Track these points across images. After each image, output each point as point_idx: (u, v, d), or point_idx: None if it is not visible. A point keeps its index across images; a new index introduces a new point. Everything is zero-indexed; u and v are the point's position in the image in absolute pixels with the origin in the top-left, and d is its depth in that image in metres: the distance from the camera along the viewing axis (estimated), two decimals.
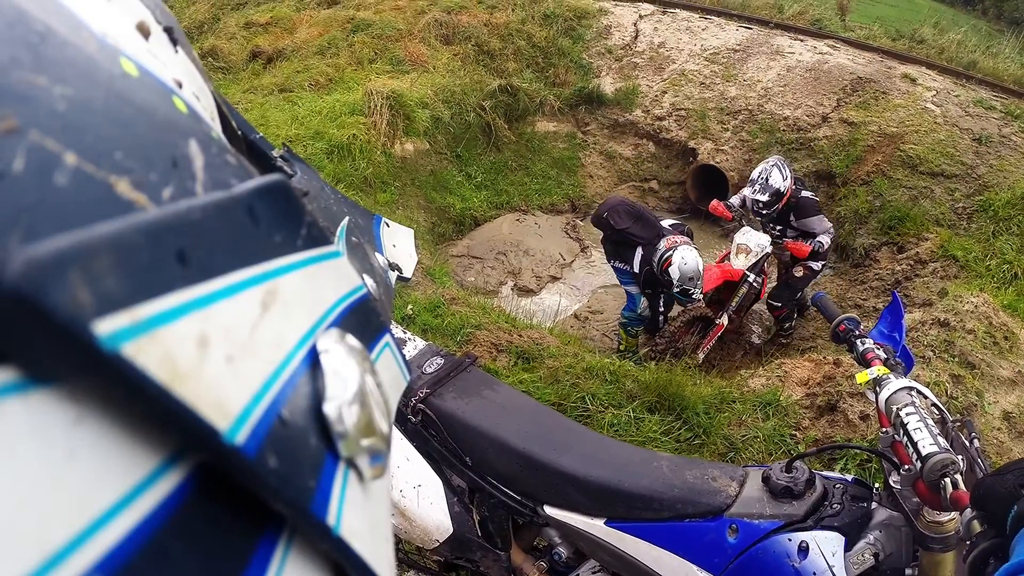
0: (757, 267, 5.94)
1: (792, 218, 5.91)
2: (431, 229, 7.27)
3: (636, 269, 5.75)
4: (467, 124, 8.44)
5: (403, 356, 0.78)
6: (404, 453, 1.97)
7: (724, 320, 5.98)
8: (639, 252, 5.69)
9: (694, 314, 6.05)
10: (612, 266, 6.13)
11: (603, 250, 6.30)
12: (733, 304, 5.97)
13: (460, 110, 8.36)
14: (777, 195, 5.72)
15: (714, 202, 6.29)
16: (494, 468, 1.96)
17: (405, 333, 2.25)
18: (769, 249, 5.94)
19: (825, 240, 5.85)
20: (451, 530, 1.98)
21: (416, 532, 1.96)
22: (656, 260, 5.48)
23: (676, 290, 5.47)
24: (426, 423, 2.00)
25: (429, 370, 2.09)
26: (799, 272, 6.03)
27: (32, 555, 0.26)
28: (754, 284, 5.97)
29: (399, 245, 1.60)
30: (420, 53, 8.93)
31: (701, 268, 5.41)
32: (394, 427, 1.96)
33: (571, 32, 10.16)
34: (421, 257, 5.50)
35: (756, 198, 5.77)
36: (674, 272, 5.38)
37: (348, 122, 7.06)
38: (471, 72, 8.90)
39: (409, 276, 1.58)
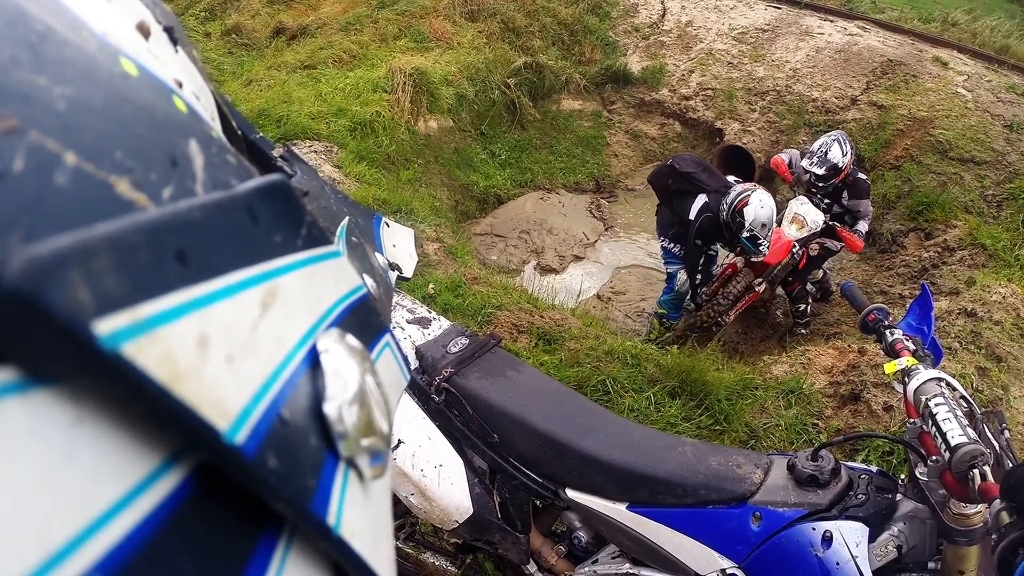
0: (804, 241, 5.81)
1: (845, 196, 5.80)
2: (454, 207, 7.27)
3: (692, 216, 5.52)
4: (491, 101, 8.41)
5: (403, 355, 0.78)
6: (426, 432, 1.97)
7: (761, 288, 5.88)
8: (700, 199, 5.50)
9: (745, 281, 5.85)
10: (661, 245, 6.03)
11: (656, 222, 6.14)
12: (775, 272, 5.85)
13: (484, 87, 8.34)
14: (834, 170, 5.58)
15: (777, 157, 6.16)
16: (517, 449, 1.95)
17: (430, 312, 2.25)
18: (820, 227, 5.76)
19: (863, 227, 5.75)
20: (471, 511, 1.98)
21: (436, 512, 1.96)
22: (729, 202, 5.30)
23: (745, 235, 5.26)
24: (450, 402, 1.99)
25: (453, 350, 2.08)
26: (814, 250, 5.93)
27: (32, 555, 0.27)
28: (795, 255, 5.81)
29: (399, 245, 1.60)
30: (445, 30, 8.90)
31: (775, 218, 5.26)
32: (417, 406, 1.97)
33: (597, 9, 10.10)
34: (443, 235, 5.50)
35: (813, 171, 5.63)
36: (749, 214, 5.17)
37: (372, 99, 7.07)
38: (496, 49, 8.85)
39: (409, 276, 1.58)
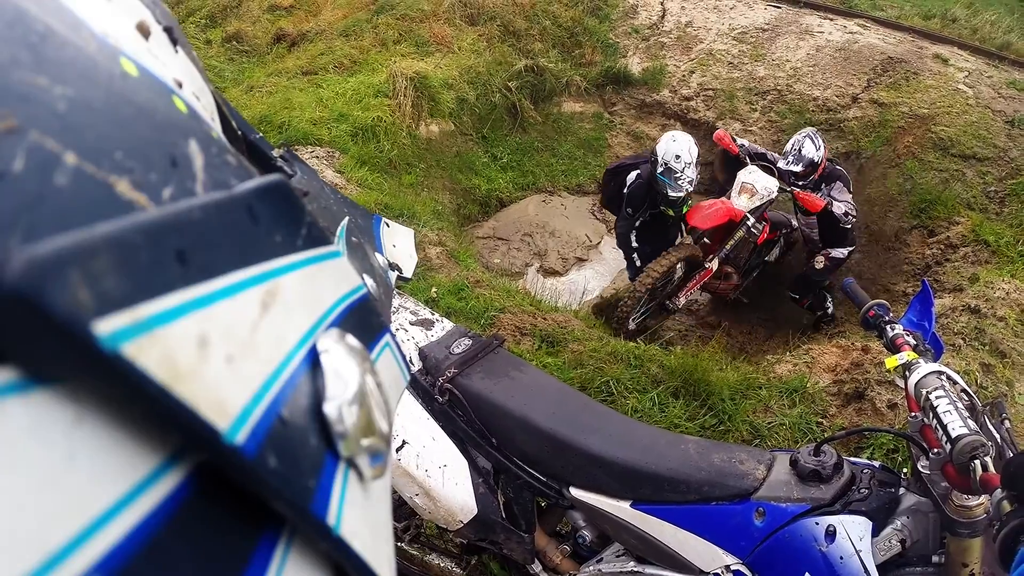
0: (758, 212, 5.52)
1: (823, 186, 5.66)
2: (456, 211, 7.26)
3: (627, 189, 5.50)
4: (492, 105, 8.40)
5: (403, 355, 0.78)
6: (430, 433, 1.97)
7: (714, 264, 5.56)
8: (632, 172, 5.52)
9: (679, 255, 5.35)
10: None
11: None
12: (727, 248, 5.55)
13: (485, 91, 8.33)
14: (811, 165, 5.51)
15: (721, 131, 5.92)
16: (521, 449, 1.96)
17: (433, 314, 2.25)
18: (776, 195, 5.52)
19: (840, 207, 5.45)
20: (475, 511, 1.98)
21: (440, 512, 1.97)
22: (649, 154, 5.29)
23: (660, 170, 5.19)
24: (453, 403, 2.00)
25: (457, 351, 2.09)
26: (820, 263, 5.76)
27: (32, 555, 0.27)
28: (752, 230, 5.53)
29: (399, 245, 1.60)
30: (445, 34, 8.88)
31: (694, 156, 5.21)
32: (421, 406, 1.97)
33: (597, 11, 10.07)
34: (446, 239, 5.50)
35: (790, 169, 5.53)
36: (660, 148, 5.18)
37: (373, 104, 7.06)
38: (496, 52, 8.84)
39: (409, 276, 1.59)
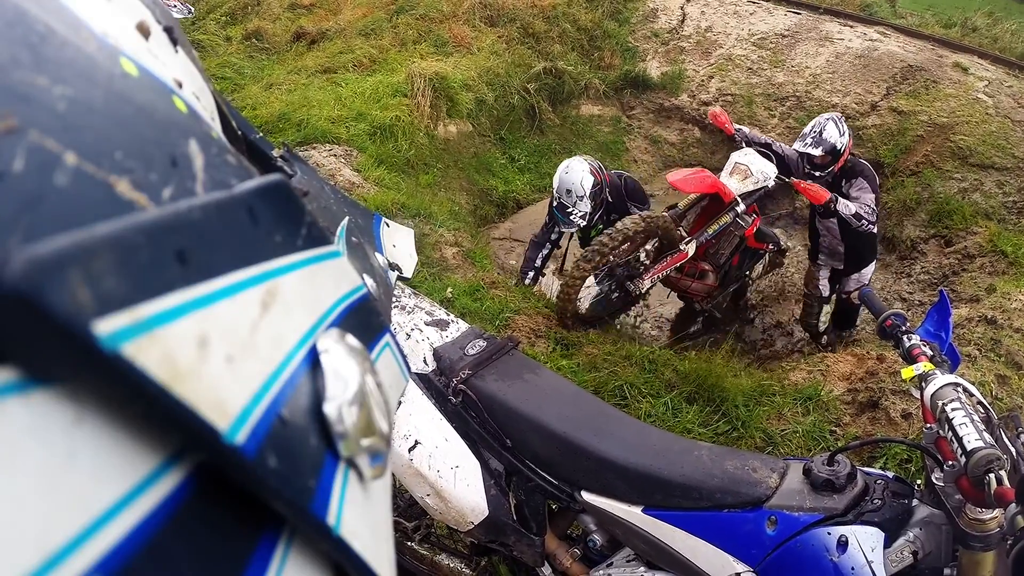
0: (750, 199, 4.91)
1: (843, 183, 4.91)
2: (473, 211, 7.25)
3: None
4: (511, 106, 8.40)
5: (403, 356, 0.78)
6: (443, 434, 1.98)
7: (691, 248, 4.84)
8: None
9: (643, 224, 4.45)
10: None
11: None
12: (710, 232, 4.90)
13: (504, 92, 8.32)
14: (832, 152, 4.78)
15: (717, 108, 5.45)
16: (533, 451, 1.97)
17: (448, 315, 2.26)
18: (772, 183, 4.90)
19: (849, 207, 4.70)
20: (486, 513, 1.98)
21: (451, 513, 1.97)
22: None
23: (554, 205, 4.92)
24: (467, 404, 2.00)
25: (471, 352, 2.09)
26: (856, 298, 5.40)
27: (32, 555, 0.27)
28: (740, 220, 4.92)
29: (399, 245, 1.60)
30: (464, 35, 8.90)
31: (587, 187, 4.79)
32: (434, 407, 1.98)
33: (617, 15, 10.07)
34: (462, 240, 5.50)
35: (808, 152, 4.81)
36: (554, 181, 4.91)
37: (391, 103, 7.06)
38: (515, 54, 8.84)
39: (409, 276, 1.59)
